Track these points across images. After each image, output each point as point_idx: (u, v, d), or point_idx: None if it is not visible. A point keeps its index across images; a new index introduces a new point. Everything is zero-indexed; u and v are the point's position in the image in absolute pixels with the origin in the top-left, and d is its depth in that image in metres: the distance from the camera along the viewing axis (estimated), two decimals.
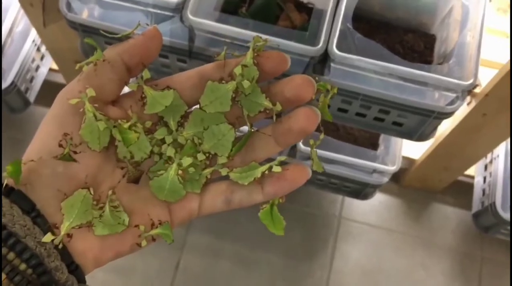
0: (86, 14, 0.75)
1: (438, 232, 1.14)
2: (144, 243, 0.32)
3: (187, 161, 0.32)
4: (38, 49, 1.07)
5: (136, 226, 0.31)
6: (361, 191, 1.02)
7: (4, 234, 0.27)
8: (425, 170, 1.08)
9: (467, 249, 1.12)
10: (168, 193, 0.32)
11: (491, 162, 1.07)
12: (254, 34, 0.68)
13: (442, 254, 1.12)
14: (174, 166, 0.32)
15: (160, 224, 0.32)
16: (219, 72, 0.32)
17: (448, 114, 0.70)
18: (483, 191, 1.07)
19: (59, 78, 1.12)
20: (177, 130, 0.33)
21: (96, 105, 0.30)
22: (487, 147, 0.94)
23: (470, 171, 1.09)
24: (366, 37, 0.70)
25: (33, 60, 1.06)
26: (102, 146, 0.31)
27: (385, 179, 0.95)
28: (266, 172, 0.31)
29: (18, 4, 0.96)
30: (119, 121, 0.31)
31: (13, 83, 0.99)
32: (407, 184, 1.16)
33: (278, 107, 0.31)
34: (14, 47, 1.00)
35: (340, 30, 0.68)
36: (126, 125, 0.31)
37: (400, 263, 1.11)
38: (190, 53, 0.74)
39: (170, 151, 0.33)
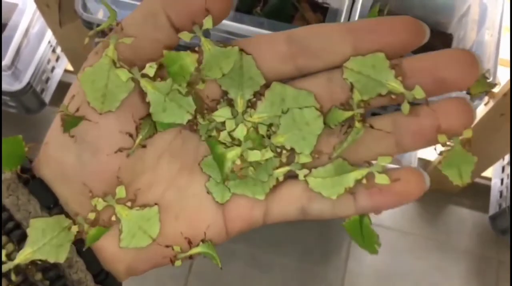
0: (101, 14, 0.75)
1: (454, 235, 1.13)
2: (178, 263, 0.25)
3: (254, 155, 0.24)
4: (54, 51, 1.08)
5: (169, 246, 0.25)
6: None
7: (17, 234, 0.23)
8: (440, 172, 1.07)
9: (483, 252, 1.11)
10: (223, 188, 0.24)
11: (508, 163, 1.05)
12: (270, 33, 0.68)
13: (458, 256, 1.11)
14: (239, 149, 0.24)
15: (203, 240, 0.25)
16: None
17: None
18: (500, 193, 1.05)
19: (74, 79, 1.13)
20: (245, 112, 0.24)
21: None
22: (504, 148, 0.92)
23: (487, 173, 1.08)
24: None
25: (49, 61, 1.06)
26: (116, 105, 0.22)
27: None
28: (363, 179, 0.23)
29: (34, 5, 0.96)
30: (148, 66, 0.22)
31: (29, 84, 1.00)
32: None
33: (419, 93, 0.21)
34: (30, 48, 1.01)
35: None
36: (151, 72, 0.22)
37: (415, 265, 1.09)
38: None
39: (240, 132, 0.24)
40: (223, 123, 0.24)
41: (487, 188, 1.11)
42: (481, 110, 0.84)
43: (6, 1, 1.01)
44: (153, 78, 0.23)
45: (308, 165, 0.24)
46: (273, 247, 1.08)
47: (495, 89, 0.78)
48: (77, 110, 0.23)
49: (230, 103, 0.24)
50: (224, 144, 0.24)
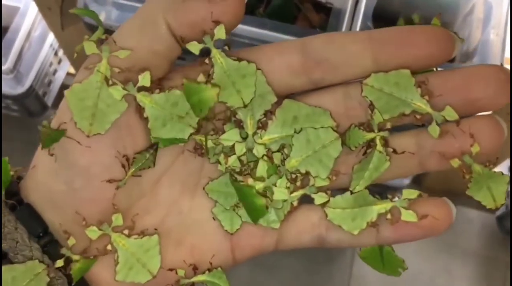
0: (103, 16, 0.75)
1: (461, 236, 1.12)
2: None
3: (280, 193, 0.21)
4: (56, 54, 1.08)
5: (172, 269, 0.23)
6: (382, 193, 1.00)
7: (3, 267, 0.20)
8: (447, 171, 1.06)
9: (491, 253, 1.10)
10: (231, 215, 0.22)
11: None
12: (273, 34, 0.67)
13: (466, 258, 1.10)
14: (261, 185, 0.21)
15: (210, 268, 0.23)
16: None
17: None
18: (507, 193, 1.04)
19: None
20: (255, 133, 0.22)
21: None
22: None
23: None
24: None
25: (51, 64, 1.06)
26: (106, 127, 0.20)
27: (406, 181, 0.93)
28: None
29: (35, 8, 0.96)
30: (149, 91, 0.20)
31: (31, 87, 1.00)
32: (429, 186, 1.14)
33: (451, 114, 0.19)
34: (32, 52, 1.01)
35: (360, 29, 0.67)
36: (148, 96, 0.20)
37: (423, 267, 1.08)
38: (208, 54, 0.73)
39: (262, 169, 0.21)
40: (232, 146, 0.22)
41: None
42: None
43: (8, 4, 1.00)
44: (151, 90, 0.21)
45: (324, 187, 0.22)
46: None
47: None
48: (59, 127, 0.21)
49: (239, 124, 0.22)
50: (239, 173, 0.22)
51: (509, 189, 0.20)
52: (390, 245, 0.23)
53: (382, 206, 0.21)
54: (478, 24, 0.74)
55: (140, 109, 0.21)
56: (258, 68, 0.21)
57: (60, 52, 1.08)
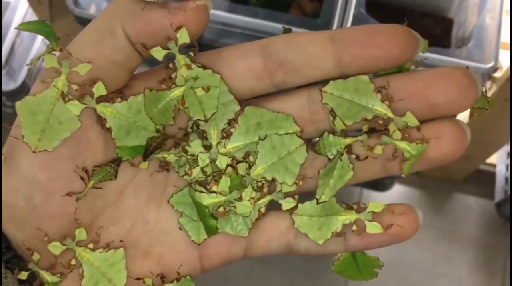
0: (94, 9, 0.74)
1: (460, 223, 1.11)
2: None
3: (243, 207, 0.22)
4: None
5: (139, 278, 0.22)
6: (379, 181, 0.99)
7: None
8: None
9: (491, 239, 1.10)
10: (198, 228, 0.22)
11: None
12: (265, 23, 0.67)
13: (465, 245, 1.10)
14: (222, 199, 0.22)
15: (178, 278, 0.22)
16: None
17: None
18: (506, 179, 1.04)
19: None
20: (219, 143, 0.22)
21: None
22: (509, 133, 0.91)
23: (492, 159, 1.07)
24: (381, 23, 0.68)
25: (43, 60, 1.06)
26: (55, 144, 0.20)
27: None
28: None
29: (26, 3, 0.95)
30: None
31: (24, 82, 0.99)
32: (427, 175, 1.13)
33: (412, 120, 0.19)
34: (24, 47, 1.00)
35: (354, 16, 0.66)
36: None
37: (422, 255, 1.08)
38: (200, 45, 0.72)
39: (223, 162, 0.22)
40: (195, 158, 0.22)
41: (492, 175, 1.09)
42: None
43: None
44: (112, 100, 0.20)
45: (291, 192, 0.22)
46: None
47: (497, 74, 0.77)
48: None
49: (202, 135, 0.22)
50: (202, 185, 0.22)
51: None
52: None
53: (347, 217, 0.21)
54: (474, 10, 0.73)
55: (101, 121, 0.21)
56: (218, 73, 0.21)
57: None
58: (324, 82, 0.21)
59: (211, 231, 0.22)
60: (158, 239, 0.23)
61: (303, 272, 1.06)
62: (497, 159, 1.09)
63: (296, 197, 0.22)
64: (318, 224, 0.21)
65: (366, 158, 0.20)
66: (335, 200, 0.22)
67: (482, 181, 1.12)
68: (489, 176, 1.10)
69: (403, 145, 0.20)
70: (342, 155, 0.21)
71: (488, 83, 0.81)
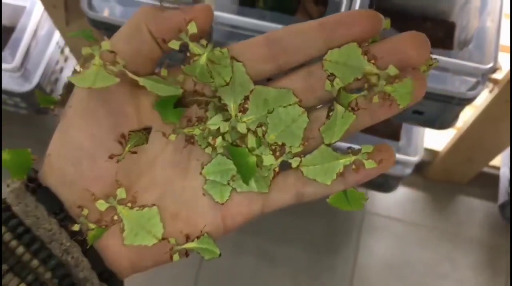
0: (107, 12, 0.76)
1: (464, 225, 1.12)
2: (176, 257, 0.27)
3: (268, 159, 0.26)
4: (62, 51, 1.10)
5: (164, 239, 0.26)
6: (384, 183, 1.01)
7: (27, 238, 0.24)
8: (449, 161, 1.07)
9: (494, 241, 1.11)
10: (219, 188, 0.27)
11: None
12: (273, 25, 0.69)
13: (468, 247, 1.11)
14: (251, 138, 0.26)
15: (198, 236, 0.27)
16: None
17: (470, 100, 0.69)
18: (510, 181, 1.05)
19: None
20: (236, 116, 0.26)
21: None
22: (509, 135, 0.92)
23: (496, 162, 1.08)
24: None
25: (57, 62, 1.08)
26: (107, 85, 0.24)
27: (408, 171, 0.94)
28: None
29: (41, 7, 0.98)
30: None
31: (38, 85, 1.02)
32: (431, 177, 1.15)
33: (393, 70, 0.24)
34: (39, 50, 1.03)
35: None
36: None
37: (425, 256, 1.10)
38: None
39: (242, 126, 0.26)
40: (217, 129, 0.26)
41: (496, 177, 1.11)
42: (486, 98, 0.84)
43: (14, 4, 1.02)
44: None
45: (299, 152, 0.27)
46: (282, 239, 1.09)
47: (499, 76, 0.78)
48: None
49: (220, 109, 0.26)
50: (237, 146, 0.27)
51: None
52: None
53: (347, 159, 0.26)
54: (476, 13, 0.75)
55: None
56: (238, 61, 0.26)
57: (67, 51, 1.10)
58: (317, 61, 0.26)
59: (251, 168, 0.26)
60: (185, 205, 0.27)
61: (307, 272, 1.08)
62: (501, 161, 1.10)
63: (302, 156, 0.27)
64: (323, 169, 0.26)
65: (358, 109, 0.26)
66: (331, 149, 0.26)
67: (486, 183, 1.14)
68: (493, 178, 1.12)
69: (392, 88, 0.25)
70: (346, 108, 0.25)
71: (490, 86, 0.83)
